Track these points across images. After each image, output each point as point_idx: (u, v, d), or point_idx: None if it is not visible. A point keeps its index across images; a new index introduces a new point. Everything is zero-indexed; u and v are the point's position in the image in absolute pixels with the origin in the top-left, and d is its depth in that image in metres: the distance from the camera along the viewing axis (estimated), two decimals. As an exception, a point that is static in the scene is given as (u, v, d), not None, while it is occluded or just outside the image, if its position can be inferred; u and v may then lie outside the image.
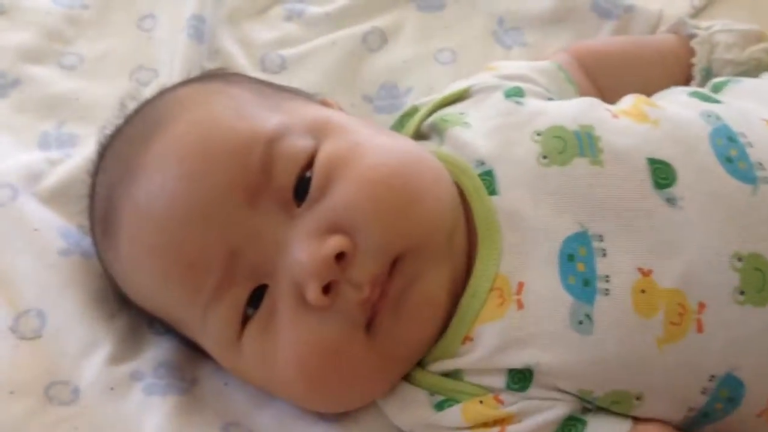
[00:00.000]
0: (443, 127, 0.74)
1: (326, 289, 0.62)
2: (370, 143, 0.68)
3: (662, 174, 0.66)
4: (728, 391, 0.64)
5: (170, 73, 0.93)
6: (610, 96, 0.78)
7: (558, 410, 0.64)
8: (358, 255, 0.63)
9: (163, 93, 0.75)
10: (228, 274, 0.64)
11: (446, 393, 0.67)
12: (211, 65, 0.95)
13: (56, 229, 0.80)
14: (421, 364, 0.69)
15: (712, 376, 0.63)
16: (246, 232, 0.64)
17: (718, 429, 0.66)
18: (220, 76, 0.80)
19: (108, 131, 0.76)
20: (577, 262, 0.64)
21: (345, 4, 1.00)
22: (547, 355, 0.63)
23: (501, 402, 0.65)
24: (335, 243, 0.62)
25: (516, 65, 0.84)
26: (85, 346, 0.73)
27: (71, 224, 0.80)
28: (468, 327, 0.66)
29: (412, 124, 0.78)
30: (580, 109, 0.72)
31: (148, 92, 0.89)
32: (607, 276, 0.64)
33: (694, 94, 0.75)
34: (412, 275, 0.64)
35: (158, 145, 0.67)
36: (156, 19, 1.01)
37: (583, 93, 0.83)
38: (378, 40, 0.97)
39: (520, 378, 0.65)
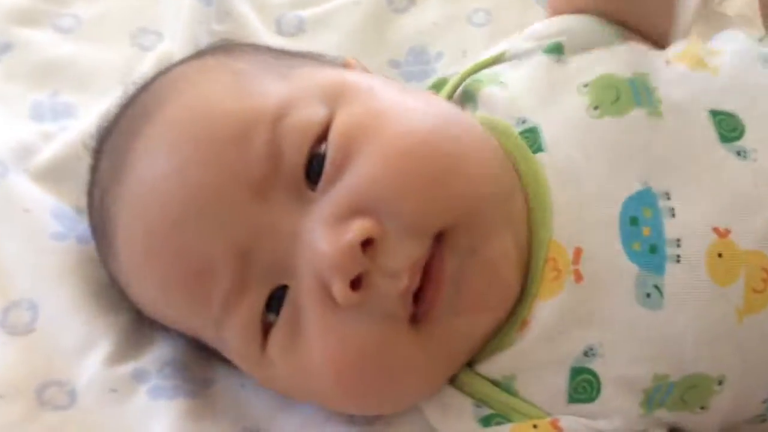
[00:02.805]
0: (476, 88, 0.66)
1: (356, 284, 0.54)
2: (396, 107, 0.59)
3: (728, 126, 0.60)
4: None
5: (175, 37, 0.86)
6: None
7: None
8: (390, 239, 0.54)
9: (158, 75, 0.67)
10: (239, 280, 0.56)
11: (495, 406, 0.59)
12: (220, 28, 0.88)
13: (50, 211, 0.73)
14: (469, 362, 0.61)
15: None
16: (255, 229, 0.56)
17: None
18: (223, 48, 0.71)
19: (106, 119, 0.68)
20: (642, 225, 0.57)
21: (368, -42, 0.93)
22: (610, 334, 0.57)
23: (560, 430, 0.57)
24: (359, 227, 0.54)
25: (550, 21, 0.75)
26: (82, 343, 0.66)
27: (66, 205, 0.73)
28: (527, 309, 0.58)
29: (441, 97, 0.70)
30: (632, 56, 0.65)
31: (151, 58, 0.83)
32: (678, 240, 0.57)
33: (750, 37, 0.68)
34: (470, 247, 0.56)
35: (145, 137, 0.59)
36: (160, -25, 0.93)
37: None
38: (405, 0, 0.90)
39: (586, 386, 0.57)
